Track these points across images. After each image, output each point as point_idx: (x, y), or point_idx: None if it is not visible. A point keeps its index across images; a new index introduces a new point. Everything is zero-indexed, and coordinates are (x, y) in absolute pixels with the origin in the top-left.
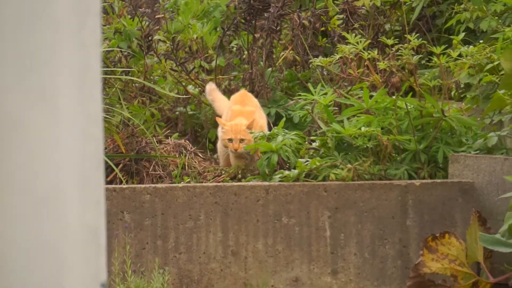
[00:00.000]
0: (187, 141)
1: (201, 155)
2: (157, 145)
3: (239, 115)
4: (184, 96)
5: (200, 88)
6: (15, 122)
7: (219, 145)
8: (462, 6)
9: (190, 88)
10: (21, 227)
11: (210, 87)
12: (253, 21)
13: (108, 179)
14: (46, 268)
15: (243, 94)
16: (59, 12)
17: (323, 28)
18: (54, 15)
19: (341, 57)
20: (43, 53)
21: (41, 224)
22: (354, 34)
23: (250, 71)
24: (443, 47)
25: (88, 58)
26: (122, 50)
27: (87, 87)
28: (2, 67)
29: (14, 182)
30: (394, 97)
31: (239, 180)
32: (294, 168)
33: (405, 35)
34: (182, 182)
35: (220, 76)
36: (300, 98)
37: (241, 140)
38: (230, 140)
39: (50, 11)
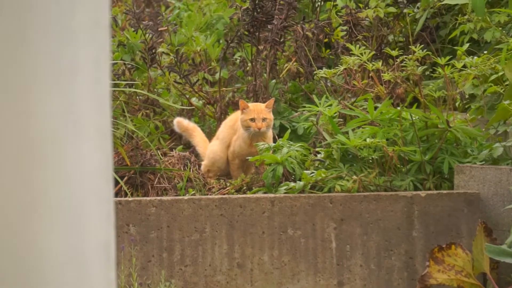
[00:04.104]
0: (191, 154)
1: None
2: (161, 157)
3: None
4: (188, 108)
5: (204, 101)
6: (49, 137)
7: (213, 149)
8: (466, 17)
9: (194, 100)
10: (52, 239)
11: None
12: (257, 33)
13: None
14: (71, 282)
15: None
16: (78, 26)
17: (326, 40)
18: (74, 29)
19: (345, 69)
20: (68, 67)
21: (67, 238)
22: (357, 46)
23: (253, 83)
24: (447, 58)
25: (99, 72)
26: (126, 62)
27: (99, 101)
28: (39, 82)
29: (48, 195)
30: (399, 108)
31: (244, 192)
32: (300, 180)
33: (409, 46)
34: (187, 195)
35: (223, 88)
36: (304, 110)
37: (263, 119)
38: (253, 119)
39: (70, 25)
